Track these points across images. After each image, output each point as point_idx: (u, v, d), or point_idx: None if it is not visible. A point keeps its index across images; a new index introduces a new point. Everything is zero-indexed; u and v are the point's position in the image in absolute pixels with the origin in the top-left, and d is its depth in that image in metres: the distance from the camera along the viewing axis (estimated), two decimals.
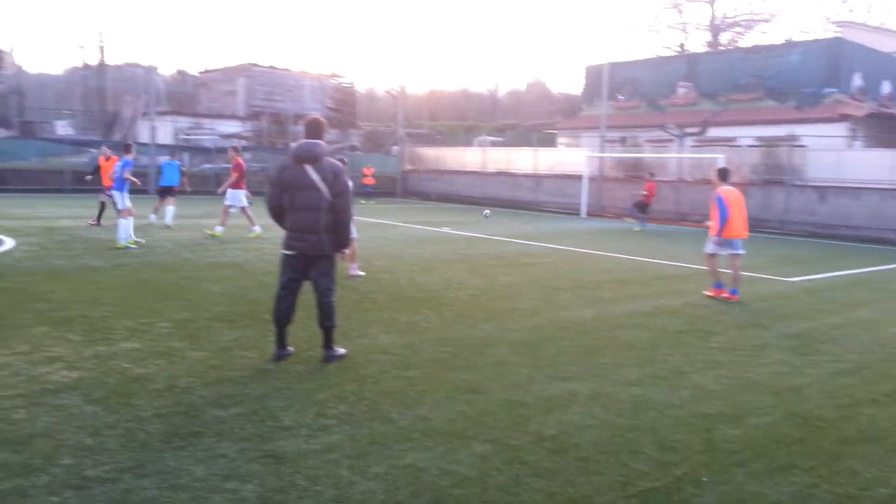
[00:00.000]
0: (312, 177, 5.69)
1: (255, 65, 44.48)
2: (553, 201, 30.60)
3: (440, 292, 9.39)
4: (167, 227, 16.40)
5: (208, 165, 33.28)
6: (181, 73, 53.14)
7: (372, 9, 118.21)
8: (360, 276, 10.22)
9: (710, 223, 9.92)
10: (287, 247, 5.86)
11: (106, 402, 4.72)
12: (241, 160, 15.72)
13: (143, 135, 35.61)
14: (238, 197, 15.36)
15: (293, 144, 5.97)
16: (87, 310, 7.50)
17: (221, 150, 30.65)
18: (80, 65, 52.02)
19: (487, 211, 25.11)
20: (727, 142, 30.63)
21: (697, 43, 52.90)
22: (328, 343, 5.98)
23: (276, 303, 5.92)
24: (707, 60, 37.90)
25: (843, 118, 29.55)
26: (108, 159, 16.06)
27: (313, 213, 5.71)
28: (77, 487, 3.52)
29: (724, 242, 9.70)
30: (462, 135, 44.85)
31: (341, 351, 6.06)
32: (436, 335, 7.01)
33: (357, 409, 4.80)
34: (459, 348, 6.52)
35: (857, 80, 32.61)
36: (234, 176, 15.40)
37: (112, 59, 53.03)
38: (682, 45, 51.67)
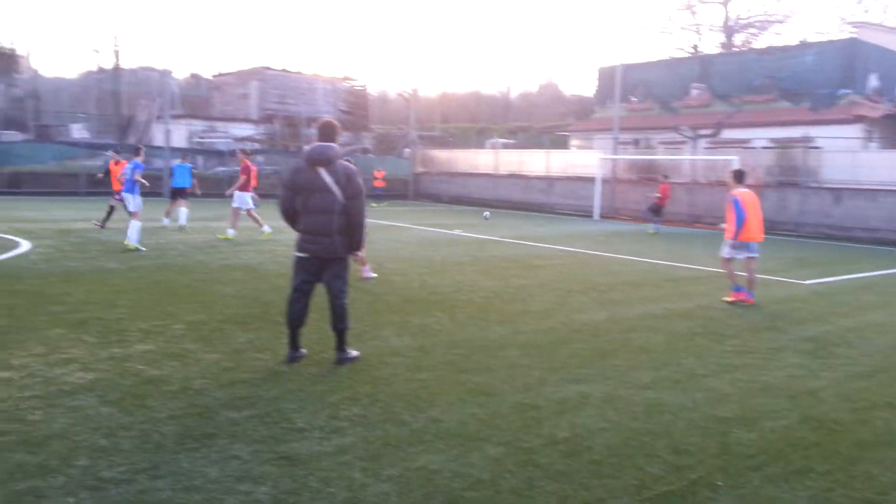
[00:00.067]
0: (325, 179, 5.70)
1: (268, 68, 44.73)
2: (566, 203, 30.53)
3: (452, 294, 9.38)
4: (182, 228, 16.54)
5: (222, 168, 33.48)
6: (195, 76, 53.56)
7: (384, 12, 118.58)
8: (372, 278, 10.24)
9: (724, 225, 9.85)
10: (300, 249, 5.87)
11: (121, 404, 4.76)
12: (249, 162, 15.80)
13: (158, 138, 35.89)
14: (244, 199, 15.42)
15: (306, 147, 5.99)
16: (102, 312, 7.55)
17: (235, 154, 30.81)
18: (95, 69, 52.51)
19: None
20: (741, 143, 30.45)
21: (711, 44, 52.66)
22: (341, 345, 5.99)
23: (289, 305, 5.94)
24: (721, 62, 37.73)
25: (858, 119, 29.33)
26: (117, 163, 16.19)
27: (326, 216, 5.73)
28: (92, 488, 3.55)
29: (740, 245, 9.58)
30: (474, 137, 44.87)
31: (354, 353, 6.07)
32: (448, 337, 7.01)
33: (370, 411, 4.81)
34: (472, 350, 6.51)
35: (873, 81, 32.36)
36: (242, 178, 15.48)
37: (127, 63, 53.48)
38: (695, 47, 51.44)
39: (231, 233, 15.16)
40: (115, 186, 15.54)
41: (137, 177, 12.84)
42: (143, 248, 12.49)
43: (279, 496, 3.55)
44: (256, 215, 15.55)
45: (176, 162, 19.12)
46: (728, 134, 32.51)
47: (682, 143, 33.11)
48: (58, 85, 49.90)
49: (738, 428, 4.77)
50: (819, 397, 5.54)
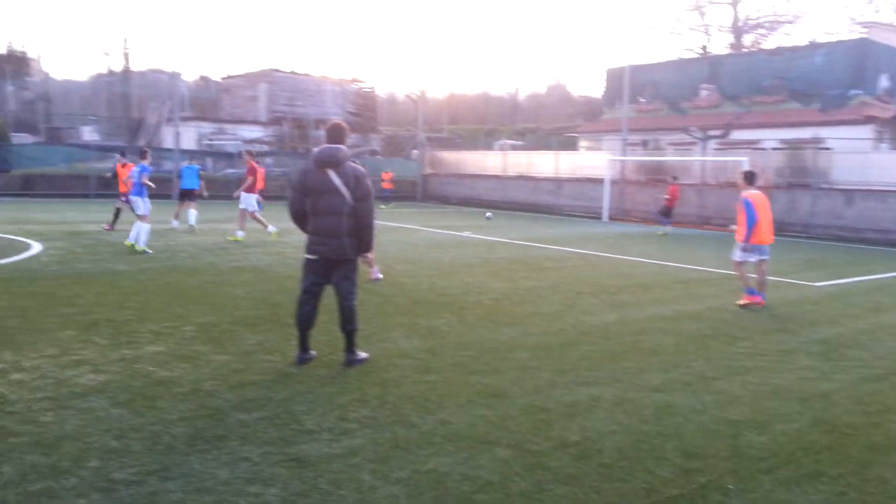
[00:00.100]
0: (334, 181, 5.71)
1: (277, 70, 44.82)
2: (574, 205, 30.48)
3: (461, 296, 9.38)
4: (192, 228, 16.63)
5: (231, 170, 33.58)
6: (204, 78, 53.76)
7: (392, 13, 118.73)
8: (380, 280, 10.25)
9: (734, 227, 9.79)
10: (309, 251, 5.89)
11: (132, 406, 4.78)
12: (255, 164, 15.86)
13: (168, 140, 36.05)
14: (250, 201, 15.47)
15: (315, 149, 6.00)
16: (113, 313, 7.59)
17: (242, 155, 30.90)
18: (105, 71, 52.87)
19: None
20: (751, 144, 30.33)
21: (720, 45, 52.39)
22: (350, 347, 6.00)
23: (298, 307, 5.95)
24: (730, 62, 37.58)
25: (869, 120, 29.15)
26: (123, 165, 16.27)
27: (335, 218, 5.74)
28: (104, 490, 3.56)
29: (752, 248, 9.49)
30: (482, 138, 44.84)
31: (363, 355, 6.07)
32: (457, 339, 7.00)
33: (379, 413, 4.81)
34: (481, 352, 6.51)
35: (884, 82, 32.16)
36: (249, 179, 15.53)
37: (136, 66, 53.84)
38: (704, 48, 51.25)
39: (240, 234, 15.21)
40: (122, 188, 15.65)
41: (145, 180, 12.89)
42: (151, 251, 12.54)
43: (289, 498, 3.56)
44: (260, 217, 15.59)
45: (184, 163, 19.20)
46: (737, 135, 32.37)
47: (692, 144, 32.98)
48: (68, 87, 50.25)
49: (748, 431, 4.75)
50: (831, 400, 5.51)
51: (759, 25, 50.56)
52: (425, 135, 40.21)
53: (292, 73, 45.47)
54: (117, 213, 16.23)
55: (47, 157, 31.20)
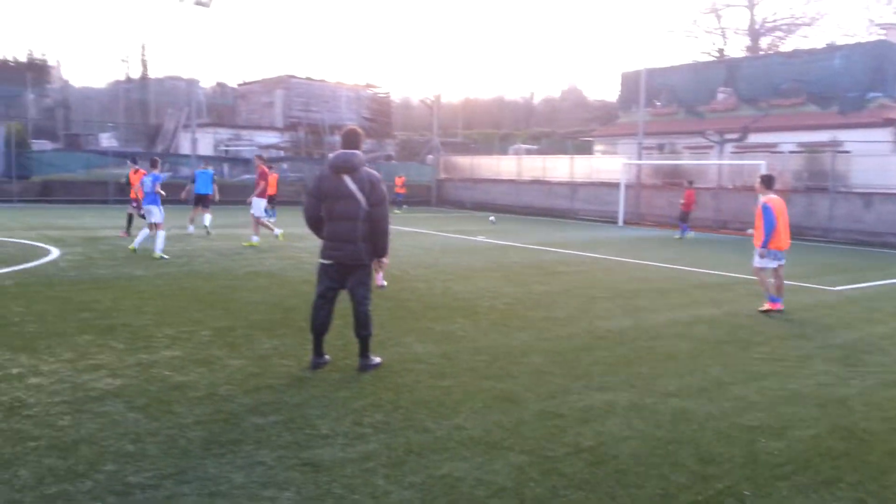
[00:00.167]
0: (350, 187, 5.74)
1: (293, 76, 45.08)
2: (589, 209, 30.38)
3: (475, 301, 9.37)
4: (208, 232, 16.79)
5: (247, 176, 33.81)
6: (221, 85, 54.19)
7: (407, 19, 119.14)
8: (384, 287, 10.24)
9: (751, 231, 9.70)
10: (324, 256, 5.91)
11: (148, 410, 4.81)
12: (266, 168, 15.96)
13: (185, 146, 36.36)
14: (259, 206, 15.55)
15: (331, 155, 6.03)
16: (130, 318, 7.66)
17: (252, 160, 31.10)
18: (123, 78, 53.49)
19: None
20: (768, 148, 30.10)
21: (737, 48, 52.06)
22: (364, 352, 6.01)
23: (313, 311, 5.97)
24: (747, 65, 37.34)
25: (888, 123, 28.83)
26: (136, 172, 16.42)
27: (351, 223, 5.76)
28: (120, 493, 3.59)
29: (771, 254, 9.37)
30: (497, 143, 44.80)
31: (377, 360, 6.08)
32: (471, 344, 7.00)
33: (393, 417, 4.81)
34: (495, 357, 6.49)
35: None
36: (261, 184, 15.63)
37: (154, 73, 54.42)
38: (720, 50, 50.96)
39: (255, 240, 15.30)
40: (133, 195, 15.83)
41: (158, 189, 12.98)
42: (167, 257, 12.63)
43: (303, 502, 3.57)
44: (266, 222, 15.66)
45: (199, 168, 19.38)
46: (755, 138, 32.15)
47: (709, 147, 32.78)
48: (87, 94, 50.88)
49: (765, 437, 4.70)
50: (849, 406, 5.44)
51: (776, 28, 50.27)
52: (440, 139, 40.26)
53: (308, 79, 45.73)
54: (130, 218, 16.39)
55: (66, 164, 31.60)
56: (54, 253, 12.89)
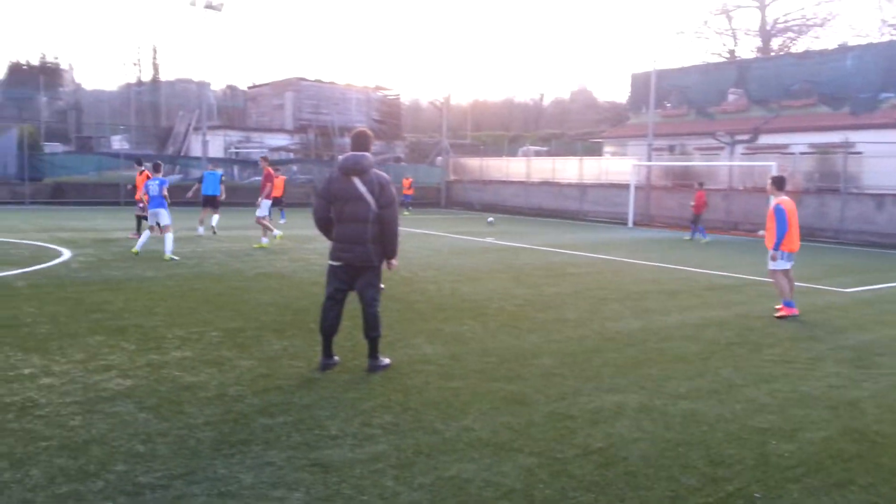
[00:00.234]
0: (360, 188, 5.75)
1: (303, 79, 45.22)
2: (599, 211, 30.32)
3: (485, 302, 9.37)
4: (214, 232, 16.95)
5: (257, 178, 33.92)
6: (231, 88, 54.51)
7: (416, 21, 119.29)
8: (382, 290, 10.23)
9: (762, 233, 9.62)
10: (334, 258, 5.92)
11: (158, 410, 4.83)
12: (271, 170, 16.04)
13: (196, 149, 36.53)
14: (264, 207, 15.61)
15: (340, 157, 6.04)
16: (141, 319, 7.70)
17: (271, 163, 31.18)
18: (134, 81, 53.83)
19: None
20: (779, 149, 29.94)
21: (747, 49, 51.81)
22: (373, 353, 6.01)
23: (322, 313, 5.98)
24: (758, 66, 37.18)
25: None
26: (141, 174, 16.52)
27: (360, 225, 5.77)
28: (130, 493, 3.61)
29: (785, 256, 9.27)
30: (506, 145, 44.78)
31: (386, 361, 6.09)
32: (480, 345, 6.99)
33: (402, 419, 4.81)
34: (504, 359, 6.49)
35: None
36: (267, 186, 15.68)
37: (165, 76, 54.75)
38: (731, 52, 50.71)
39: (265, 241, 15.36)
40: (137, 197, 15.96)
41: (165, 192, 13.05)
42: (178, 258, 12.69)
43: (312, 503, 3.57)
44: (267, 223, 15.72)
45: (207, 169, 19.50)
46: (766, 139, 31.98)
47: (719, 148, 32.64)
48: (99, 97, 51.23)
49: (776, 439, 4.67)
50: (860, 408, 5.40)
51: (787, 29, 49.92)
52: (449, 141, 40.27)
53: (318, 81, 45.86)
54: (139, 220, 16.49)
55: (78, 166, 31.81)
56: (66, 254, 12.97)
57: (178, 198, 19.43)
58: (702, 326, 8.28)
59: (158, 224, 13.07)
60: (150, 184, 13.11)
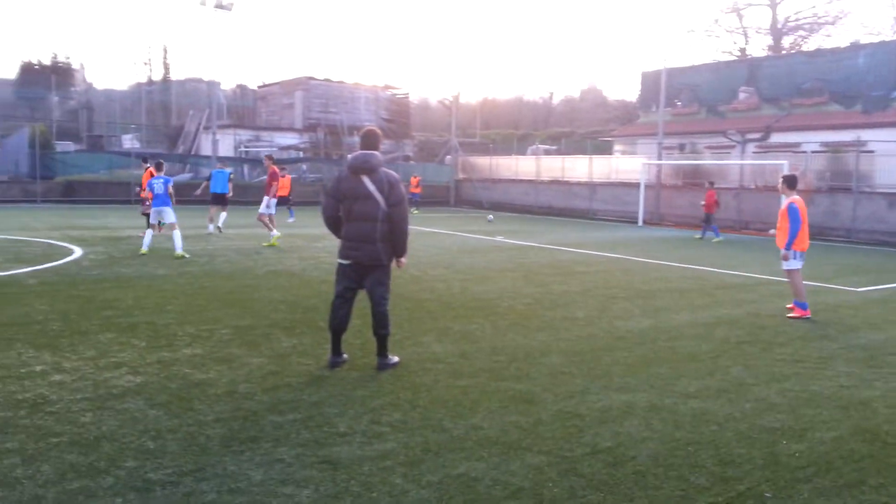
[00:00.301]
0: (369, 187, 5.75)
1: (312, 78, 45.28)
2: (609, 209, 30.23)
3: (494, 301, 9.36)
4: (220, 230, 17.06)
5: (265, 177, 34.02)
6: (241, 87, 54.59)
7: (425, 19, 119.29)
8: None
9: (772, 232, 9.54)
10: (343, 256, 5.93)
11: (168, 407, 4.86)
12: (276, 168, 16.11)
13: (206, 148, 36.66)
14: (267, 205, 15.65)
15: (349, 156, 6.05)
16: (152, 316, 7.73)
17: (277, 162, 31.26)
18: (145, 80, 54.06)
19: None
20: (791, 148, 29.76)
21: (758, 47, 51.51)
22: (382, 351, 6.02)
23: (331, 311, 5.99)
24: (769, 65, 36.93)
25: None
26: (147, 171, 16.61)
27: (369, 223, 5.78)
28: (140, 489, 3.62)
29: (797, 255, 9.19)
30: (515, 143, 44.70)
31: (395, 359, 6.10)
32: (489, 344, 6.99)
33: (411, 417, 4.82)
34: (513, 357, 6.48)
35: None
36: (272, 185, 15.74)
37: (176, 75, 54.96)
38: (742, 50, 50.45)
39: (274, 235, 15.41)
40: (141, 195, 16.08)
41: (171, 190, 13.10)
42: (188, 255, 12.74)
43: (321, 500, 3.58)
44: (267, 221, 15.77)
45: (216, 168, 19.59)
46: (777, 138, 31.80)
47: (730, 147, 32.47)
48: (110, 96, 51.47)
49: (786, 438, 4.65)
50: (872, 408, 5.37)
51: (798, 27, 49.62)
52: (458, 140, 40.25)
53: (327, 80, 45.91)
54: (147, 217, 16.58)
55: (89, 165, 32.02)
56: (77, 252, 13.05)
57: (188, 196, 19.56)
58: (712, 325, 8.25)
59: (160, 223, 13.15)
60: (154, 182, 13.19)
